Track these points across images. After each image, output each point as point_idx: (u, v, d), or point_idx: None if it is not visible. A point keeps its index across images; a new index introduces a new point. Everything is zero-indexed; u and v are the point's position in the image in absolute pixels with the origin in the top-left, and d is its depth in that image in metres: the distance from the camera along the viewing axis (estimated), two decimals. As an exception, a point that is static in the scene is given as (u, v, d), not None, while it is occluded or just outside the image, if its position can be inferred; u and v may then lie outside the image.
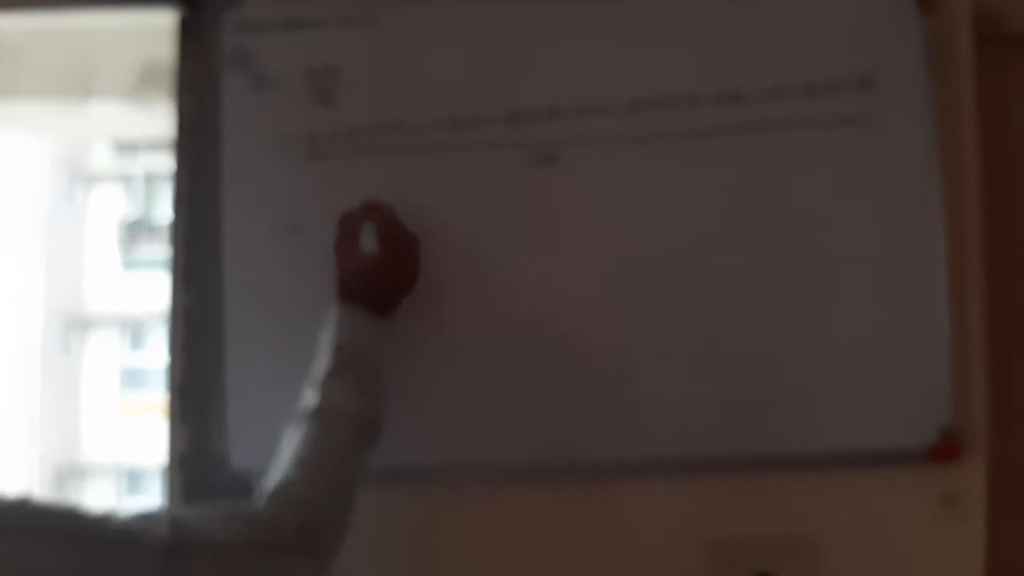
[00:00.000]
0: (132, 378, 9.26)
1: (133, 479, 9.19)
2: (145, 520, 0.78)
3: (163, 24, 1.08)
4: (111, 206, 9.44)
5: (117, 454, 9.06)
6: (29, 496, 0.74)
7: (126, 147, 9.03)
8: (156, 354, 8.88)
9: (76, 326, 9.26)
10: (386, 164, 1.05)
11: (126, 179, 9.44)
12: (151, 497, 8.74)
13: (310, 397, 0.90)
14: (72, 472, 9.15)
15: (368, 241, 0.99)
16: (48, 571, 0.71)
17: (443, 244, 1.03)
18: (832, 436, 1.01)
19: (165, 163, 1.09)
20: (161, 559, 0.74)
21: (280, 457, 0.88)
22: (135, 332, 9.37)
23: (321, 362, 0.92)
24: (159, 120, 1.16)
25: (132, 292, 9.06)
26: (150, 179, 9.26)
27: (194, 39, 1.08)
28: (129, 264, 9.33)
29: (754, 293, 1.02)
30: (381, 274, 0.97)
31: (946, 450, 0.99)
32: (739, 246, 1.02)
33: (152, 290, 8.31)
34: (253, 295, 1.05)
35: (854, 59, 1.03)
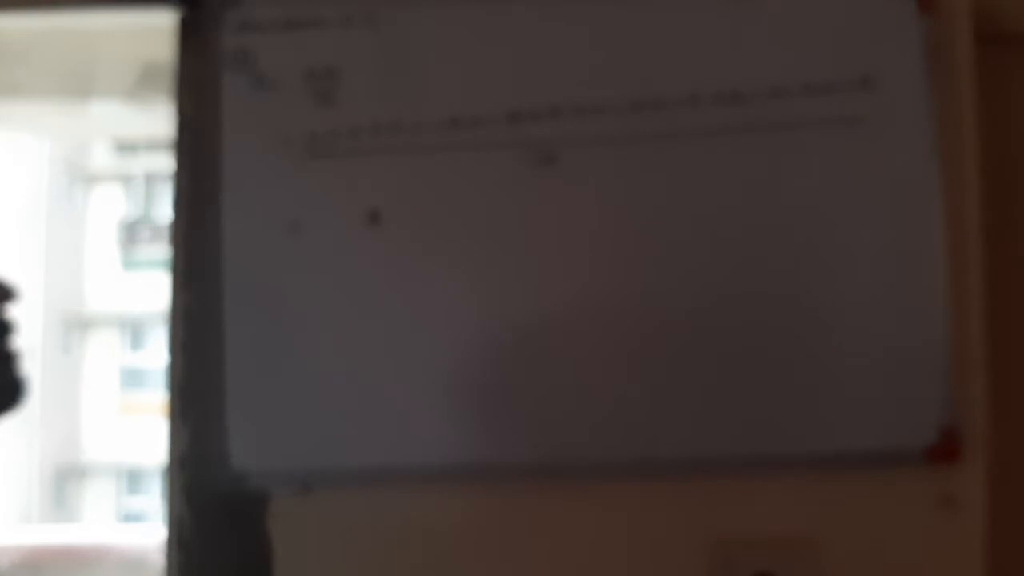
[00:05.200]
0: (132, 378, 9.28)
1: (133, 479, 9.21)
2: None
3: (163, 24, 1.08)
4: (111, 206, 9.46)
5: (117, 454, 9.08)
6: None
7: (126, 147, 9.05)
8: (156, 354, 8.89)
9: (76, 326, 9.28)
10: (386, 164, 1.05)
11: (126, 179, 9.46)
12: (151, 497, 8.75)
13: None
14: (72, 472, 9.17)
15: None
16: None
17: (441, 244, 1.04)
18: (832, 436, 1.01)
19: (165, 163, 1.09)
20: None
21: None
22: (135, 332, 9.39)
23: None
24: (159, 120, 1.16)
25: (132, 292, 9.07)
26: (150, 179, 9.27)
27: (194, 39, 1.08)
28: (129, 264, 9.35)
29: (752, 293, 1.02)
30: None
31: (946, 450, 0.99)
32: (737, 246, 1.02)
33: (152, 290, 8.33)
34: (253, 295, 1.05)
35: (854, 59, 1.03)
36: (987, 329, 1.00)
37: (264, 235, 1.05)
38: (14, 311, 0.89)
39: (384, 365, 1.03)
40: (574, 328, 1.03)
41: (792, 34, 1.04)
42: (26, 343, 0.93)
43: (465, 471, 1.03)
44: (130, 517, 8.99)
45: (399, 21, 1.06)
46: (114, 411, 9.26)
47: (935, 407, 1.00)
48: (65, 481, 9.12)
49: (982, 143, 1.02)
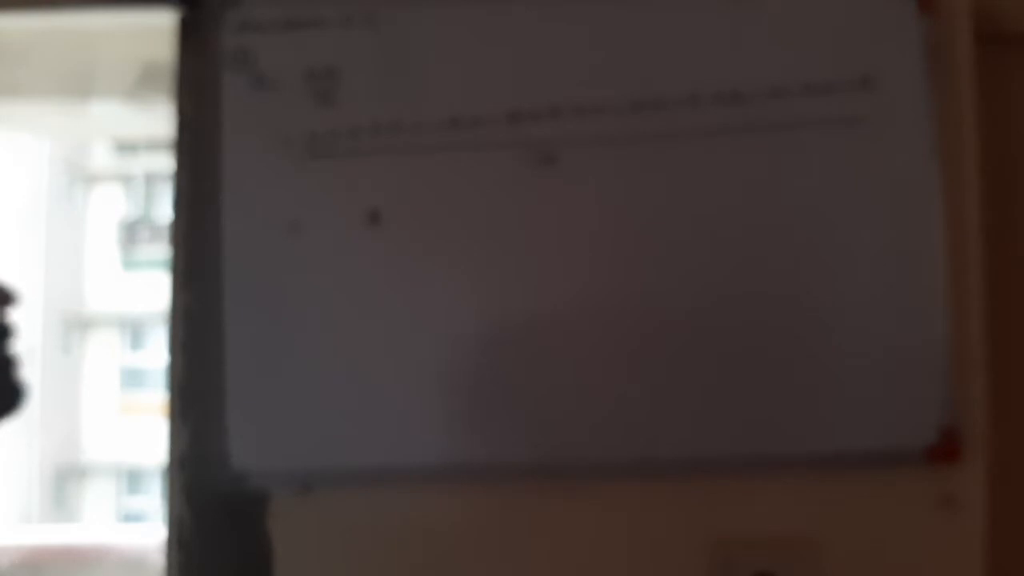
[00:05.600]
0: (132, 378, 9.28)
1: (133, 479, 9.21)
2: None
3: (163, 24, 1.08)
4: (111, 206, 9.46)
5: (117, 454, 9.08)
6: None
7: (126, 147, 9.05)
8: (156, 354, 8.90)
9: (76, 326, 9.28)
10: (386, 164, 1.05)
11: (126, 179, 9.46)
12: (151, 497, 8.75)
13: None
14: (72, 472, 9.17)
15: None
16: None
17: (441, 244, 1.04)
18: (832, 436, 1.01)
19: (165, 163, 1.09)
20: None
21: None
22: (135, 332, 9.39)
23: None
24: (159, 120, 1.16)
25: (132, 292, 9.08)
26: (150, 179, 9.28)
27: (194, 39, 1.08)
28: (129, 264, 9.35)
29: (752, 293, 1.02)
30: None
31: (946, 450, 0.99)
32: (737, 246, 1.02)
33: (152, 290, 8.33)
34: (253, 295, 1.05)
35: (854, 59, 1.03)
36: (987, 329, 1.00)
37: (264, 235, 1.05)
38: (14, 314, 0.89)
39: (384, 365, 1.03)
40: (574, 328, 1.03)
41: (792, 34, 1.04)
42: (26, 343, 0.93)
43: (465, 471, 1.03)
44: (130, 517, 8.99)
45: (399, 21, 1.06)
46: (114, 411, 9.26)
47: (935, 407, 1.00)
48: (65, 481, 9.12)
49: (982, 143, 1.02)
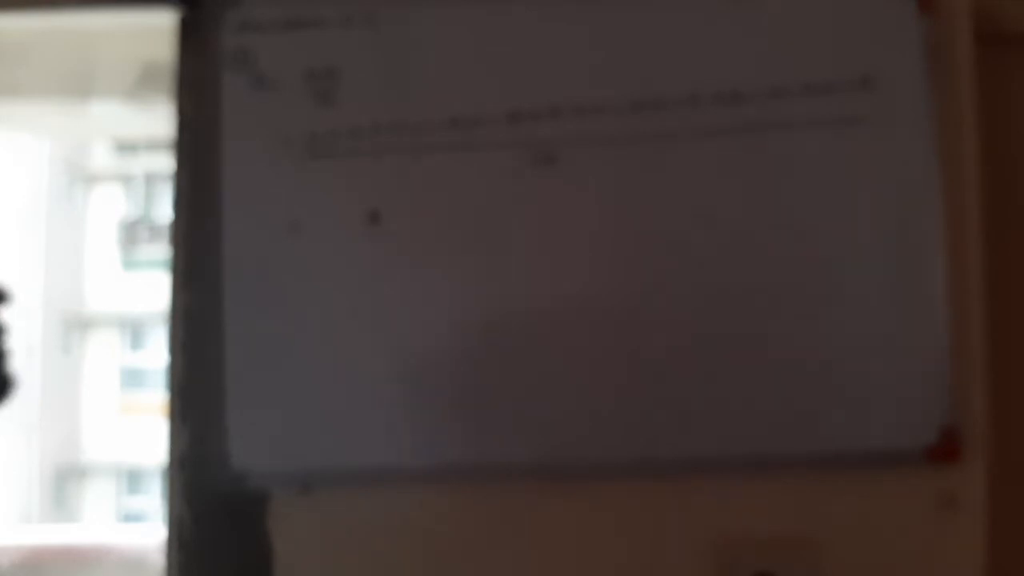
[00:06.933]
0: (132, 378, 9.27)
1: (133, 479, 9.20)
2: None
3: (163, 24, 1.08)
4: (111, 206, 9.46)
5: (117, 454, 9.07)
6: None
7: (126, 147, 9.05)
8: (156, 354, 8.89)
9: (76, 326, 9.27)
10: (386, 164, 1.05)
11: (126, 179, 9.46)
12: (151, 497, 8.75)
13: None
14: (72, 472, 9.17)
15: None
16: None
17: (441, 244, 1.04)
18: (832, 436, 1.01)
19: (165, 163, 1.09)
20: None
21: None
22: (135, 332, 9.38)
23: None
24: (159, 120, 1.16)
25: (132, 292, 9.07)
26: (150, 179, 9.27)
27: (194, 39, 1.08)
28: (129, 264, 9.34)
29: (752, 293, 1.02)
30: None
31: (946, 450, 0.99)
32: (737, 246, 1.02)
33: (152, 290, 8.32)
34: (253, 295, 1.05)
35: (854, 59, 1.03)
36: (987, 329, 1.00)
37: (264, 235, 1.05)
38: (5, 313, 0.90)
39: (384, 365, 1.03)
40: (574, 328, 1.03)
41: (792, 34, 1.04)
42: (26, 343, 0.94)
43: (465, 471, 1.03)
44: (130, 517, 8.99)
45: (399, 21, 1.06)
46: (114, 411, 9.25)
47: (935, 407, 1.00)
48: (65, 481, 9.12)
49: (982, 143, 1.02)
